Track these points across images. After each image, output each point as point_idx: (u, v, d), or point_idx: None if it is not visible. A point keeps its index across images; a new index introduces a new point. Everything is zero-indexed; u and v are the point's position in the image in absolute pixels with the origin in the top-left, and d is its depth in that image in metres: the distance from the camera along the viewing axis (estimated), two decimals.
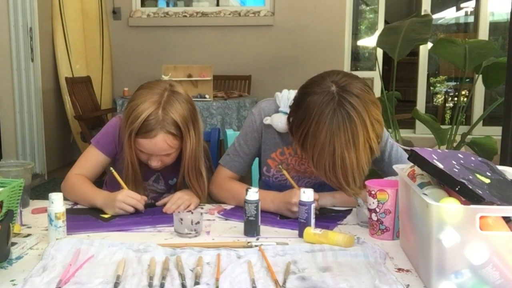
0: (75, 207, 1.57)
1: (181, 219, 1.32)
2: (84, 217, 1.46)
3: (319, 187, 1.60)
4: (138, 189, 1.59)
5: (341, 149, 1.32)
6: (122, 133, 1.59)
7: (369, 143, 1.35)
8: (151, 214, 1.50)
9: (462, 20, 6.24)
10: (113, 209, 1.48)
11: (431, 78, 5.71)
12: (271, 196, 1.52)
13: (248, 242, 1.24)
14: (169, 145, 1.55)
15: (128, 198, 1.48)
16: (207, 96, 3.86)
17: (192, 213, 1.38)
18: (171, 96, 1.55)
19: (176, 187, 1.70)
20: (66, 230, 1.29)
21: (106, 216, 1.48)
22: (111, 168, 1.59)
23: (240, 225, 1.38)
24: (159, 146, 1.54)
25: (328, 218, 1.46)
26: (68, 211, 1.41)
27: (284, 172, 1.57)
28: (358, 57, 5.75)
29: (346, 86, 1.35)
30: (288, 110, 1.52)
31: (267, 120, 1.60)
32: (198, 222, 1.32)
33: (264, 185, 1.69)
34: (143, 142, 1.54)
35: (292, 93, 1.56)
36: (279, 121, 1.55)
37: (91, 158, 1.68)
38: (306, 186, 1.61)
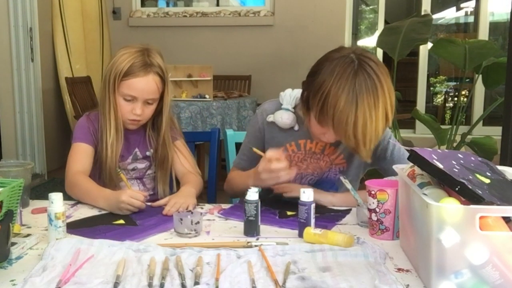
0: (82, 217, 1.49)
1: (181, 219, 1.32)
2: (112, 227, 1.38)
3: (320, 185, 1.62)
4: (118, 133, 1.67)
5: (363, 108, 1.35)
6: (103, 84, 1.68)
7: (385, 109, 1.39)
8: (160, 212, 1.50)
9: (462, 20, 6.24)
10: (119, 210, 1.48)
11: (431, 78, 5.71)
12: (250, 172, 1.57)
13: (248, 242, 1.24)
14: (157, 87, 1.66)
15: (132, 200, 1.47)
16: (207, 96, 3.85)
17: (192, 213, 1.38)
18: (149, 48, 1.68)
19: (156, 156, 1.76)
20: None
21: (120, 222, 1.43)
22: (119, 170, 1.64)
23: (240, 225, 1.38)
24: (150, 85, 1.64)
25: (326, 217, 1.46)
26: (71, 225, 1.37)
27: (255, 150, 1.57)
28: None
29: (364, 53, 1.41)
30: (290, 107, 1.59)
31: (270, 118, 1.62)
32: (198, 222, 1.32)
33: None
34: (133, 81, 1.63)
35: (296, 92, 1.60)
36: (280, 117, 1.59)
37: (78, 152, 1.70)
38: (308, 184, 1.63)
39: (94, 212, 1.52)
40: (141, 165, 1.78)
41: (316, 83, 1.41)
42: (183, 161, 1.79)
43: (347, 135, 1.39)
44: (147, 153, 1.77)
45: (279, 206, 1.54)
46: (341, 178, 1.46)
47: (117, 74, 1.62)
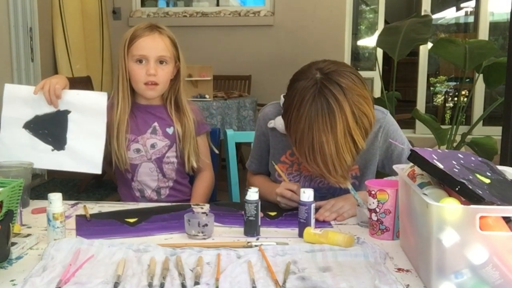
0: (102, 211, 1.52)
1: (189, 220, 1.31)
2: (108, 222, 1.42)
3: (331, 188, 1.60)
4: (125, 101, 1.71)
5: (319, 136, 1.33)
6: (117, 63, 1.72)
7: (350, 134, 1.34)
8: (177, 218, 1.43)
9: (462, 20, 6.24)
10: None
11: (431, 78, 5.71)
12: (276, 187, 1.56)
13: (248, 242, 1.24)
14: (165, 45, 1.69)
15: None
16: (207, 96, 3.85)
17: (207, 214, 1.36)
18: (160, 25, 1.73)
19: (177, 136, 1.75)
20: (91, 235, 1.29)
21: (131, 220, 1.43)
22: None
23: (240, 225, 1.38)
24: (157, 42, 1.68)
25: None
26: (93, 216, 1.46)
27: (276, 167, 1.58)
28: (358, 57, 5.75)
29: (331, 73, 1.36)
30: None
31: (270, 124, 1.61)
32: (206, 225, 1.31)
33: None
34: (140, 41, 1.67)
35: None
36: (281, 123, 1.55)
37: None
38: (319, 186, 1.61)
39: (94, 212, 1.52)
40: (161, 143, 1.76)
41: (285, 104, 1.42)
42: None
43: (309, 164, 1.38)
44: (167, 130, 1.76)
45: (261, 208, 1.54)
46: None
47: (125, 42, 1.69)
